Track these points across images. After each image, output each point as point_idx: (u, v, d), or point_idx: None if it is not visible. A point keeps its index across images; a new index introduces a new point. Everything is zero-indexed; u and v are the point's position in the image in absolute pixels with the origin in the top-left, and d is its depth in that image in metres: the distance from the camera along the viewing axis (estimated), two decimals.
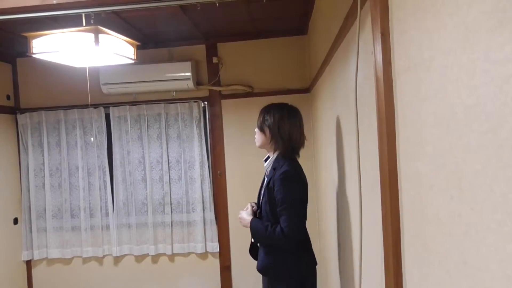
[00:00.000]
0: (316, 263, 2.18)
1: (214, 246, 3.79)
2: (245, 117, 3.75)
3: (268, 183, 2.08)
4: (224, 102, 3.78)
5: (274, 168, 2.07)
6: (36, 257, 3.92)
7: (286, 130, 2.08)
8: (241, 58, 3.75)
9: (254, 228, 2.12)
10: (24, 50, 3.59)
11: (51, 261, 3.97)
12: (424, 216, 0.89)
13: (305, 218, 2.05)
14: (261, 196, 2.18)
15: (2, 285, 3.65)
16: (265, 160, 2.22)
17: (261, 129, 2.15)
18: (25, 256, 3.91)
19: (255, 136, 2.23)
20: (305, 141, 2.19)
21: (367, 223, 1.40)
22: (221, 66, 3.75)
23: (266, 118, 2.13)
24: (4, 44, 3.54)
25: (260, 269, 2.17)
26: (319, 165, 3.24)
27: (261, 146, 2.20)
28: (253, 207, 2.24)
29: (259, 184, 3.28)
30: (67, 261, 3.96)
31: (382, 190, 1.11)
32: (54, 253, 3.90)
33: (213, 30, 3.55)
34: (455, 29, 0.71)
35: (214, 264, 3.84)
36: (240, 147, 3.77)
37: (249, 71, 3.75)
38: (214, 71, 3.75)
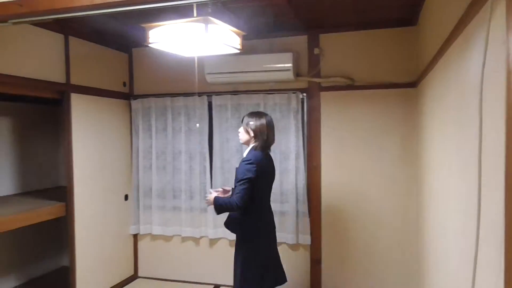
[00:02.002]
0: (268, 227, 2.94)
1: (305, 238, 3.78)
2: (345, 110, 3.67)
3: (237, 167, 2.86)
4: (323, 94, 3.72)
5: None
6: (142, 232, 4.27)
7: (264, 132, 2.84)
8: (343, 50, 3.66)
9: (217, 201, 2.82)
10: (139, 41, 3.88)
11: (154, 237, 4.30)
12: None
13: (253, 193, 2.74)
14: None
15: (113, 254, 4.04)
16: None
17: (246, 131, 2.88)
18: (133, 230, 4.28)
19: (239, 135, 2.95)
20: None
21: (484, 229, 1.28)
22: (322, 57, 3.69)
23: (249, 120, 2.87)
24: (122, 35, 3.86)
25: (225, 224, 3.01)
26: (425, 165, 3.05)
27: (244, 143, 2.96)
28: (217, 191, 2.99)
29: (355, 179, 3.79)
30: (167, 238, 4.25)
31: (507, 195, 1.00)
32: (157, 230, 4.21)
33: (316, 21, 3.50)
34: None
35: (305, 256, 3.84)
36: (338, 141, 3.70)
37: (351, 63, 3.64)
38: (314, 62, 3.71)
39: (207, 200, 2.93)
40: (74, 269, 3.51)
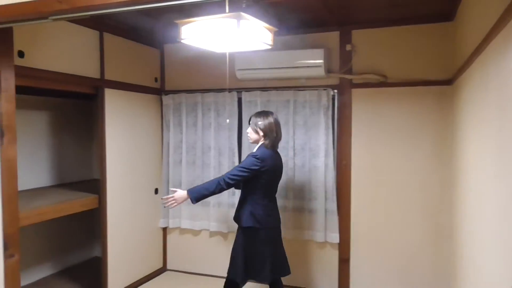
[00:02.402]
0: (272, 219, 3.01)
1: (334, 236, 3.75)
2: (376, 107, 3.60)
3: None
4: (355, 91, 3.67)
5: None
6: (170, 226, 4.34)
7: (273, 130, 2.97)
8: (376, 46, 3.59)
9: (193, 189, 2.88)
10: (170, 37, 3.94)
11: (183, 230, 4.36)
12: None
13: (243, 177, 2.87)
14: None
15: (143, 246, 4.12)
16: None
17: (255, 130, 2.99)
18: (162, 223, 4.35)
19: (248, 135, 3.06)
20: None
21: None
22: (354, 53, 3.63)
23: (257, 120, 2.99)
24: (154, 32, 3.92)
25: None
26: (460, 165, 2.97)
27: (253, 142, 3.05)
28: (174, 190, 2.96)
29: (385, 178, 3.71)
30: (196, 232, 4.30)
31: None
32: (186, 224, 4.27)
33: (349, 16, 3.45)
34: None
35: (333, 255, 3.81)
36: (368, 139, 3.64)
37: (384, 59, 3.57)
38: (346, 58, 3.66)
39: (172, 199, 2.90)
40: (106, 259, 3.60)
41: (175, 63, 4.33)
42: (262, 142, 2.99)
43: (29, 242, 3.93)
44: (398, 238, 3.58)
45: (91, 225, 4.66)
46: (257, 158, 2.87)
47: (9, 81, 2.63)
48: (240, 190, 3.10)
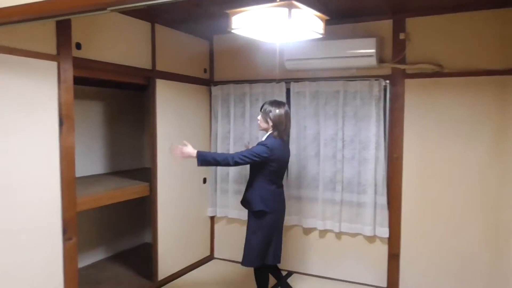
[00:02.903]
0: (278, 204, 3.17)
1: (383, 231, 3.65)
2: (431, 99, 3.45)
3: None
4: (408, 82, 3.53)
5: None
6: (218, 215, 4.40)
7: (283, 122, 3.03)
8: (431, 34, 3.43)
9: (203, 153, 2.96)
10: (220, 27, 3.95)
11: (230, 220, 4.41)
12: None
13: (253, 161, 2.96)
14: None
15: (191, 234, 4.21)
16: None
17: (266, 119, 3.05)
18: (210, 212, 4.42)
19: (258, 122, 3.11)
20: None
21: None
22: (408, 42, 3.49)
23: (270, 110, 3.03)
24: (204, 22, 3.94)
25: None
26: None
27: (263, 129, 3.12)
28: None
29: (439, 171, 3.54)
30: (243, 222, 4.32)
31: None
32: (233, 214, 4.31)
33: (403, 4, 3.30)
34: None
35: (382, 250, 3.71)
36: (422, 131, 3.50)
37: (439, 48, 3.40)
38: (399, 48, 3.52)
39: (180, 150, 2.97)
40: (156, 246, 3.71)
41: (224, 53, 4.35)
42: (271, 132, 3.06)
43: (85, 227, 4.12)
44: (452, 236, 3.43)
45: (142, 212, 4.81)
46: (267, 147, 2.95)
47: (68, 72, 2.74)
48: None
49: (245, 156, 2.94)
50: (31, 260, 2.58)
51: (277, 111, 3.04)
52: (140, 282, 3.77)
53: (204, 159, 2.96)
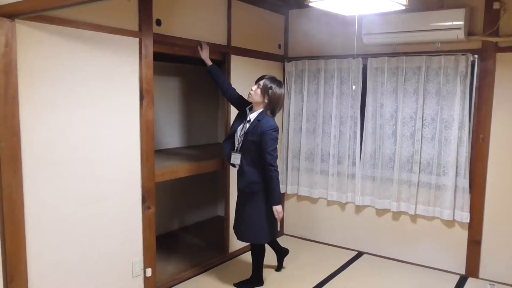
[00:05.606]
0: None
1: (464, 216, 3.44)
2: None
3: (254, 128, 2.96)
4: (500, 56, 3.23)
5: (258, 120, 2.97)
6: (289, 192, 4.41)
7: (279, 102, 3.03)
8: None
9: (276, 200, 3.00)
10: (296, 2, 3.87)
11: (300, 197, 4.40)
12: None
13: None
14: (242, 133, 3.03)
15: None
16: (249, 109, 3.10)
17: (263, 94, 2.95)
18: (281, 189, 4.43)
19: (252, 92, 2.99)
20: None
21: None
22: (503, 12, 3.17)
23: (271, 87, 2.96)
24: None
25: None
26: None
27: (255, 102, 3.01)
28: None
29: None
30: (313, 200, 4.31)
31: None
32: (304, 191, 4.30)
33: None
34: None
35: (461, 235, 3.51)
36: None
37: None
38: (492, 19, 3.22)
39: (281, 215, 3.06)
40: (228, 218, 3.81)
41: (299, 29, 4.27)
42: (263, 108, 3.01)
43: (161, 198, 4.32)
44: None
45: (214, 186, 4.96)
46: (274, 129, 2.93)
47: (149, 48, 2.84)
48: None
49: (275, 157, 2.93)
50: (113, 226, 2.75)
51: (278, 90, 3.00)
52: (212, 254, 3.90)
53: (280, 199, 3.06)
